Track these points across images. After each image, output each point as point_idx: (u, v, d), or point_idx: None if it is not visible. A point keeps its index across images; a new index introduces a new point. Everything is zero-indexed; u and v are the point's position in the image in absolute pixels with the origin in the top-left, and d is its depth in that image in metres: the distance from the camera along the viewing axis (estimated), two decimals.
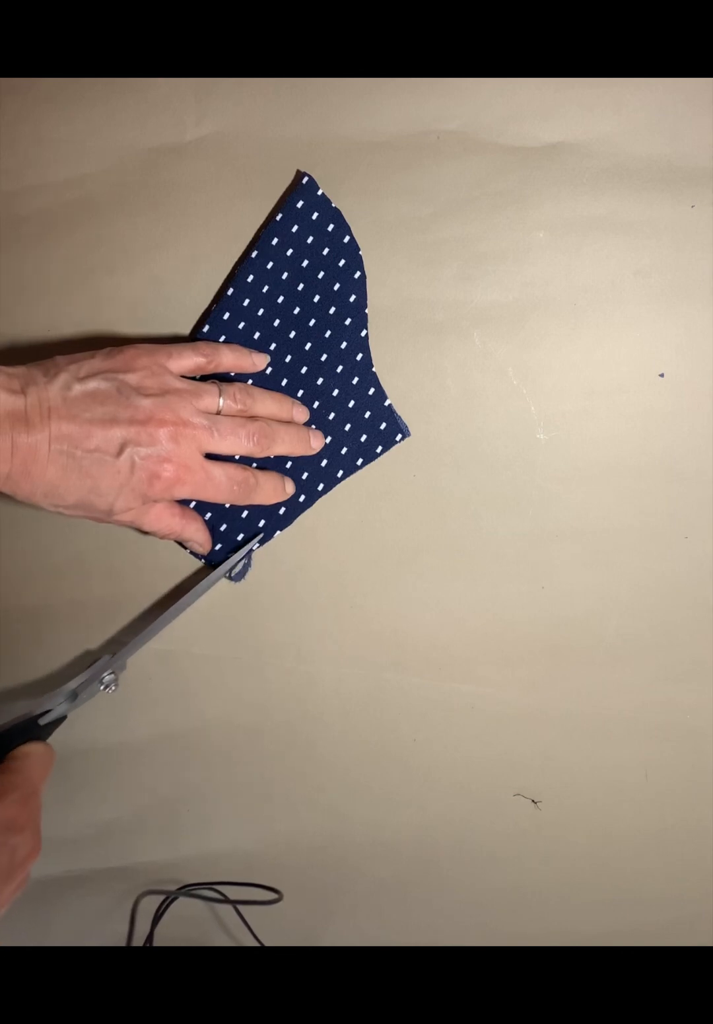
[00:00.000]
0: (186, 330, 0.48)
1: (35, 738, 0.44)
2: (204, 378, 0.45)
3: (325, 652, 0.50)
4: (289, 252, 0.46)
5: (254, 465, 0.47)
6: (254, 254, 0.46)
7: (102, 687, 0.46)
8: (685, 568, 0.49)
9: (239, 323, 0.47)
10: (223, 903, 0.51)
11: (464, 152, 0.46)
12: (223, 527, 0.48)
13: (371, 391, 0.48)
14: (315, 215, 0.46)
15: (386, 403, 0.48)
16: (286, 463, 0.48)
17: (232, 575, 0.48)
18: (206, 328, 0.47)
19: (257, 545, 0.48)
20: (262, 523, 0.48)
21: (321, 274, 0.47)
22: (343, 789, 0.51)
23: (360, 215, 0.46)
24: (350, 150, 0.46)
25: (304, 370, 0.48)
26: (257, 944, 0.51)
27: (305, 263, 0.47)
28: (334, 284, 0.47)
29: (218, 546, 0.48)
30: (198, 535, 0.46)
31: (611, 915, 0.52)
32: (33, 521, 0.48)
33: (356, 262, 0.47)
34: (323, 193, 0.46)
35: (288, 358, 0.47)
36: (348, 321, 0.47)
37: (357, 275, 0.47)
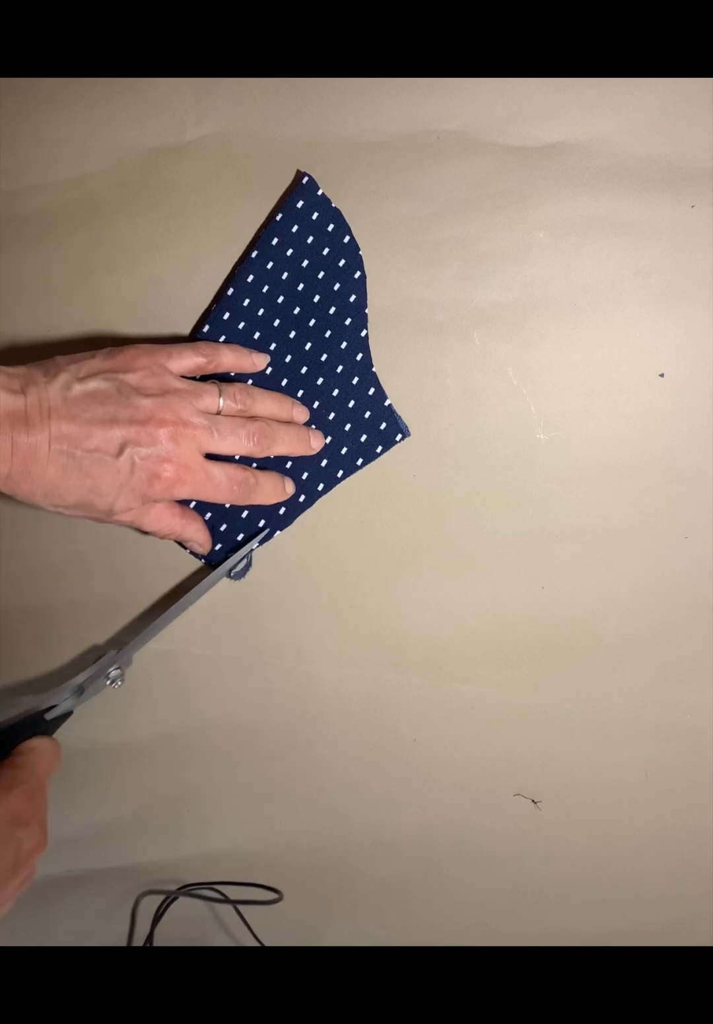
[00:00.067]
0: (186, 330, 0.48)
1: (42, 733, 0.44)
2: (204, 378, 0.45)
3: (325, 652, 0.50)
4: (289, 252, 0.46)
5: (254, 465, 0.47)
6: (254, 254, 0.46)
7: (108, 682, 0.46)
8: (685, 568, 0.49)
9: (239, 323, 0.47)
10: (223, 903, 0.51)
11: (464, 152, 0.46)
12: (223, 527, 0.48)
13: (371, 391, 0.48)
14: (315, 215, 0.46)
15: (386, 403, 0.48)
16: (286, 463, 0.48)
17: (232, 574, 0.48)
18: (206, 328, 0.47)
19: (257, 544, 0.48)
20: (262, 523, 0.48)
21: (321, 274, 0.47)
22: (343, 789, 0.51)
23: (360, 215, 0.46)
24: (350, 150, 0.46)
25: (304, 370, 0.48)
26: (257, 944, 0.51)
27: (305, 263, 0.47)
28: (334, 284, 0.47)
29: (218, 546, 0.48)
30: (198, 535, 0.46)
31: (611, 915, 0.52)
32: (33, 521, 0.48)
33: (356, 262, 0.47)
34: (323, 193, 0.46)
35: (288, 358, 0.47)
36: (348, 321, 0.47)
37: (357, 275, 0.47)
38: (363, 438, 0.48)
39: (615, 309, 0.47)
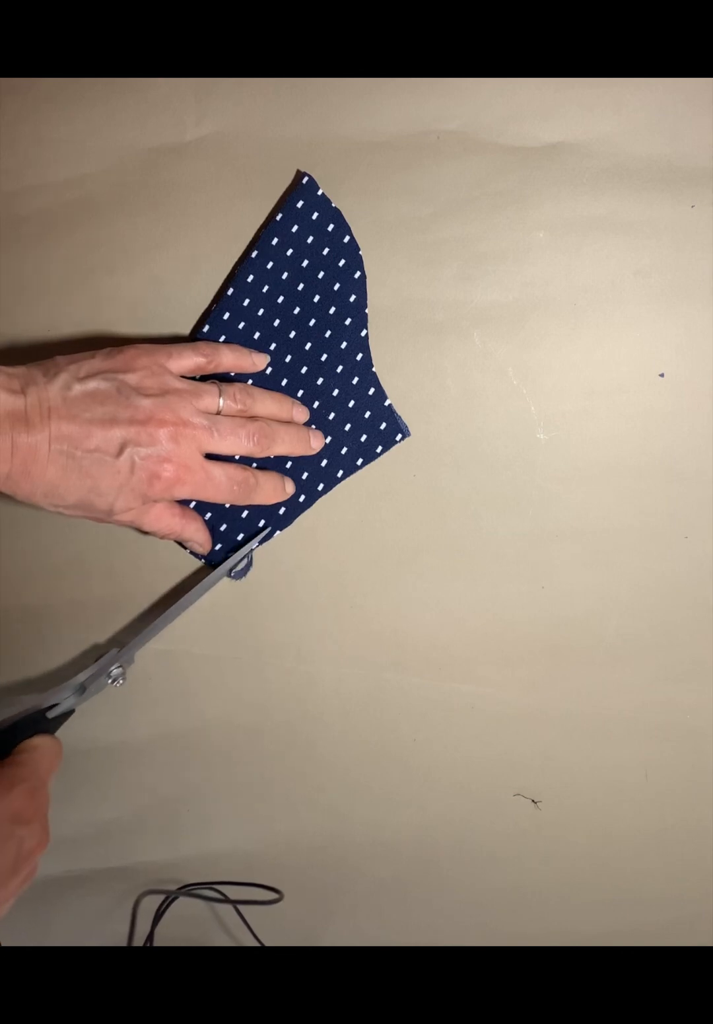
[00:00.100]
0: (186, 330, 0.48)
1: (43, 731, 0.44)
2: (204, 378, 0.45)
3: (325, 652, 0.50)
4: (289, 252, 0.46)
5: (254, 465, 0.47)
6: (254, 254, 0.46)
7: (110, 681, 0.46)
8: (685, 568, 0.49)
9: (239, 323, 0.47)
10: (223, 903, 0.51)
11: (464, 152, 0.46)
12: (223, 527, 0.48)
13: (371, 391, 0.48)
14: (315, 215, 0.46)
15: (386, 403, 0.48)
16: (286, 463, 0.48)
17: (233, 574, 0.48)
18: (206, 328, 0.47)
19: (257, 544, 0.48)
20: (262, 523, 0.48)
21: (321, 274, 0.47)
22: (343, 789, 0.51)
23: (360, 215, 0.46)
24: (350, 150, 0.46)
25: (304, 370, 0.48)
26: (257, 944, 0.51)
27: (305, 263, 0.47)
28: (334, 284, 0.47)
29: (218, 546, 0.48)
30: (198, 535, 0.46)
31: (611, 915, 0.52)
32: (33, 521, 0.48)
33: (356, 262, 0.47)
34: (323, 193, 0.46)
35: (288, 358, 0.47)
36: (348, 321, 0.47)
37: (357, 275, 0.47)
38: (363, 438, 0.48)
39: (615, 309, 0.47)
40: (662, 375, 0.47)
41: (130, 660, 0.47)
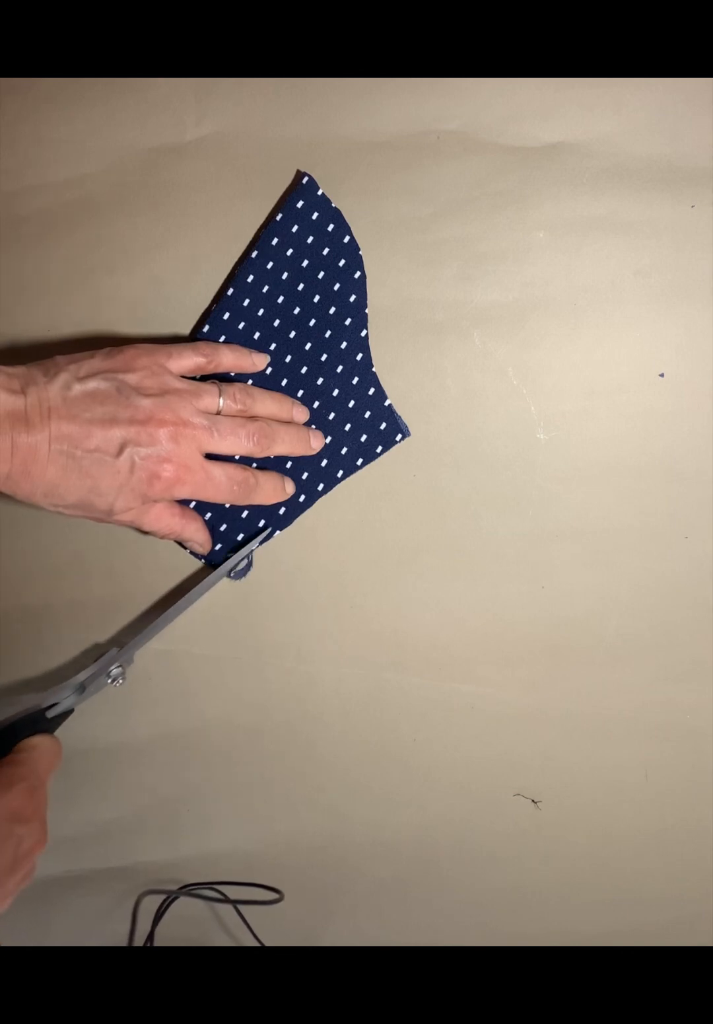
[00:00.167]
0: (186, 330, 0.48)
1: (42, 731, 0.44)
2: (204, 378, 0.45)
3: (325, 652, 0.50)
4: (289, 252, 0.46)
5: (254, 465, 0.47)
6: (254, 254, 0.46)
7: (109, 681, 0.46)
8: (685, 568, 0.49)
9: (239, 323, 0.47)
10: (223, 903, 0.51)
11: (464, 152, 0.46)
12: (223, 527, 0.48)
13: (371, 391, 0.48)
14: (315, 215, 0.46)
15: (386, 403, 0.48)
16: (286, 463, 0.48)
17: (233, 574, 0.48)
18: (206, 328, 0.47)
19: (257, 545, 0.48)
20: (262, 523, 0.48)
21: (321, 274, 0.47)
22: (343, 789, 0.51)
23: (360, 215, 0.46)
24: (350, 150, 0.46)
25: (304, 370, 0.48)
26: (257, 944, 0.51)
27: (305, 263, 0.47)
28: (334, 284, 0.47)
29: (218, 546, 0.48)
30: (198, 535, 0.46)
31: (611, 915, 0.52)
32: (33, 521, 0.48)
33: (356, 262, 0.47)
34: (323, 193, 0.46)
35: (288, 358, 0.47)
36: (348, 321, 0.47)
37: (357, 275, 0.47)
38: (363, 438, 0.48)
39: (615, 309, 0.47)
40: (662, 375, 0.47)
41: (130, 660, 0.47)
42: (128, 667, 0.47)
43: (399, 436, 0.48)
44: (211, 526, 0.48)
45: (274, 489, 0.47)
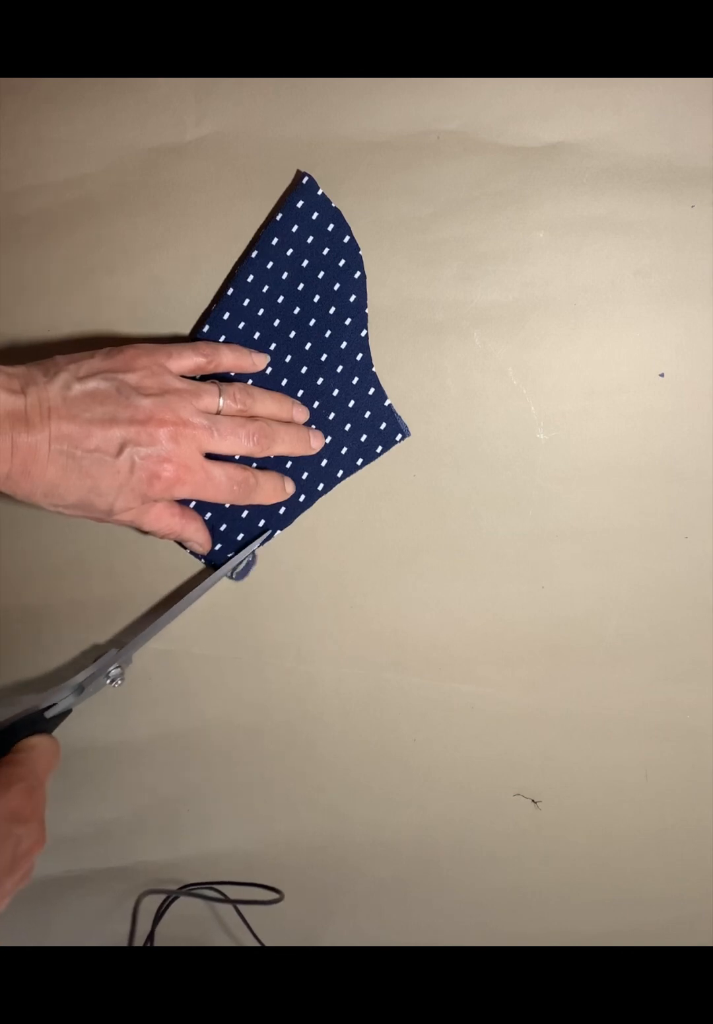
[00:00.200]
0: (186, 330, 0.48)
1: (41, 731, 0.44)
2: (204, 378, 0.45)
3: (325, 652, 0.50)
4: (289, 252, 0.46)
5: (254, 465, 0.47)
6: (254, 254, 0.46)
7: (108, 681, 0.46)
8: (685, 568, 0.49)
9: (239, 323, 0.47)
10: (224, 903, 0.51)
11: (464, 152, 0.46)
12: (223, 527, 0.48)
13: (371, 391, 0.48)
14: (315, 215, 0.46)
15: (386, 403, 0.48)
16: (286, 463, 0.48)
17: (235, 575, 0.48)
18: (206, 328, 0.47)
19: (258, 546, 0.48)
20: (262, 523, 0.48)
21: (321, 274, 0.47)
22: (343, 789, 0.51)
23: (360, 215, 0.46)
24: (350, 150, 0.46)
25: (304, 370, 0.48)
26: (257, 944, 0.51)
27: (305, 263, 0.47)
28: (334, 284, 0.47)
29: (218, 546, 0.48)
30: (198, 535, 0.46)
31: (611, 915, 0.52)
32: (33, 521, 0.48)
33: (356, 262, 0.47)
34: (323, 193, 0.46)
35: (288, 358, 0.47)
36: (348, 321, 0.47)
37: (357, 275, 0.47)
38: (363, 438, 0.48)
39: (615, 309, 0.47)
40: (662, 375, 0.47)
41: (128, 661, 0.47)
42: (127, 668, 0.47)
43: (399, 436, 0.48)
44: (211, 526, 0.48)
45: (274, 489, 0.47)
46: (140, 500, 0.42)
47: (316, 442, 0.47)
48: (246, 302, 0.47)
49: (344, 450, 0.48)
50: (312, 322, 0.47)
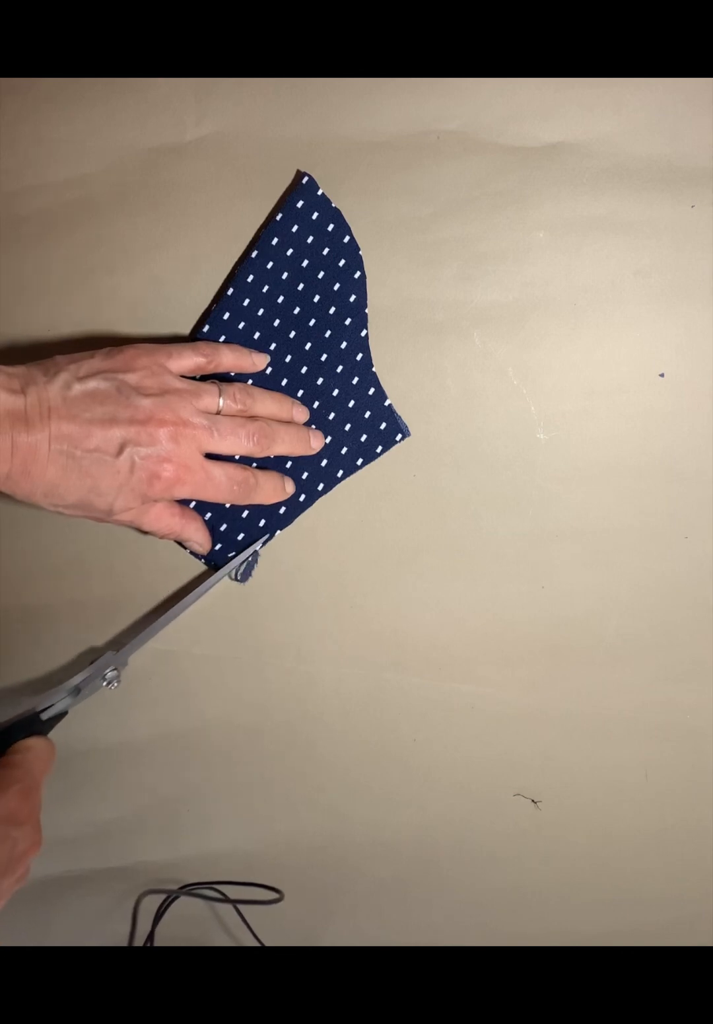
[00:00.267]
0: (186, 330, 0.48)
1: (37, 733, 0.44)
2: (204, 378, 0.45)
3: (325, 652, 0.50)
4: (289, 252, 0.46)
5: (254, 465, 0.47)
6: (254, 254, 0.46)
7: (105, 683, 0.46)
8: (685, 568, 0.49)
9: (239, 323, 0.47)
10: (224, 903, 0.51)
11: (464, 152, 0.46)
12: (223, 527, 0.48)
13: (371, 391, 0.48)
14: (315, 215, 0.46)
15: (386, 403, 0.48)
16: (286, 463, 0.48)
17: (237, 576, 0.48)
18: (206, 328, 0.47)
19: (259, 546, 0.48)
20: (262, 523, 0.48)
21: (321, 274, 0.47)
22: (343, 789, 0.51)
23: (360, 215, 0.46)
24: (350, 150, 0.46)
25: (304, 370, 0.48)
26: (257, 944, 0.51)
27: (305, 263, 0.47)
28: (334, 284, 0.47)
29: (218, 546, 0.48)
30: (198, 535, 0.46)
31: (611, 915, 0.52)
32: (33, 521, 0.48)
33: (356, 262, 0.47)
34: (323, 193, 0.46)
35: (288, 358, 0.47)
36: (348, 321, 0.47)
37: (357, 275, 0.47)
38: (363, 438, 0.48)
39: (615, 309, 0.47)
40: (662, 375, 0.47)
41: (124, 662, 0.47)
42: (123, 670, 0.47)
43: (399, 436, 0.48)
44: (211, 526, 0.48)
45: (274, 489, 0.47)
46: (140, 500, 0.42)
47: (316, 442, 0.47)
48: (246, 302, 0.47)
49: (344, 450, 0.48)
50: (312, 322, 0.47)
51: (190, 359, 0.43)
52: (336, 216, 0.46)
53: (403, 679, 0.50)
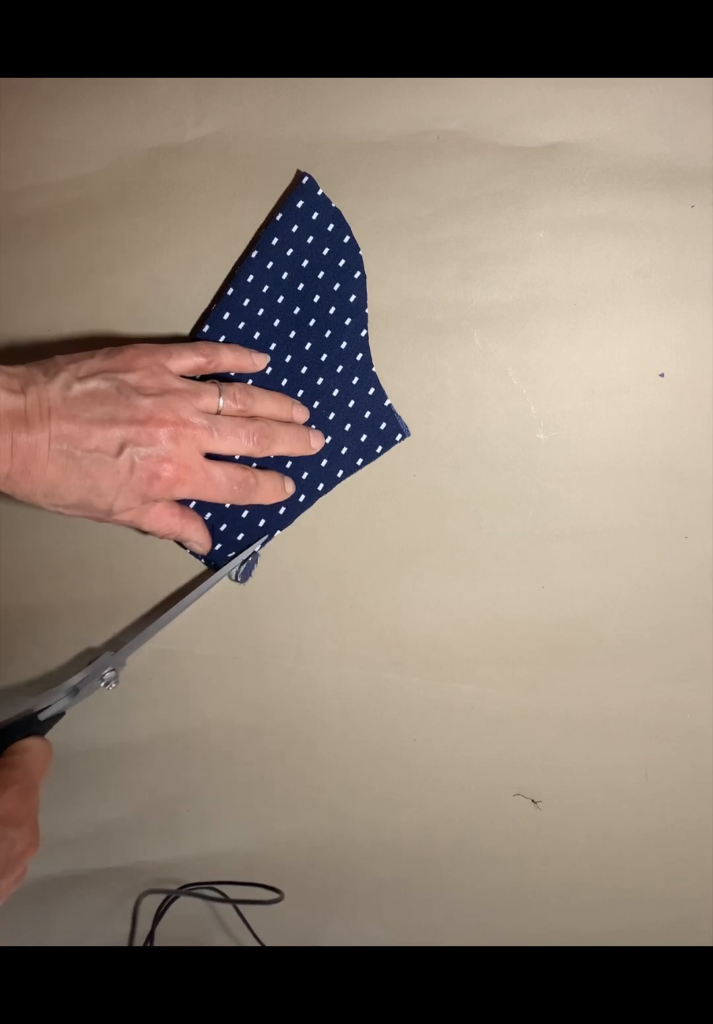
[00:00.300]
0: (186, 330, 0.48)
1: (34, 733, 0.44)
2: (204, 378, 0.45)
3: (325, 652, 0.50)
4: (289, 252, 0.46)
5: (254, 465, 0.47)
6: (254, 254, 0.46)
7: (103, 684, 0.46)
8: (685, 568, 0.49)
9: (239, 323, 0.47)
10: (224, 903, 0.51)
11: (464, 152, 0.46)
12: (223, 527, 0.48)
13: (371, 391, 0.48)
14: (315, 215, 0.46)
15: (386, 403, 0.48)
16: (286, 463, 0.48)
17: (237, 576, 0.48)
18: (206, 328, 0.47)
19: (259, 547, 0.48)
20: (262, 523, 0.48)
21: (321, 274, 0.47)
22: (343, 789, 0.51)
23: (360, 215, 0.46)
24: (350, 150, 0.46)
25: (304, 370, 0.48)
26: (257, 944, 0.51)
27: (305, 263, 0.47)
28: (334, 284, 0.47)
29: (218, 546, 0.48)
30: (198, 535, 0.46)
31: (611, 915, 0.52)
32: (33, 521, 0.48)
33: (356, 262, 0.47)
34: (323, 193, 0.46)
35: (288, 358, 0.47)
36: (348, 321, 0.47)
37: (357, 275, 0.47)
38: (363, 438, 0.48)
39: (615, 309, 0.47)
40: (662, 375, 0.47)
41: (122, 663, 0.47)
42: (121, 670, 0.47)
43: (399, 436, 0.48)
44: (211, 526, 0.48)
45: (274, 489, 0.47)
46: (140, 500, 0.42)
47: (316, 442, 0.47)
48: (246, 302, 0.47)
49: (344, 450, 0.48)
50: (312, 322, 0.47)
51: (190, 359, 0.43)
52: (336, 216, 0.46)
53: (403, 679, 0.50)
